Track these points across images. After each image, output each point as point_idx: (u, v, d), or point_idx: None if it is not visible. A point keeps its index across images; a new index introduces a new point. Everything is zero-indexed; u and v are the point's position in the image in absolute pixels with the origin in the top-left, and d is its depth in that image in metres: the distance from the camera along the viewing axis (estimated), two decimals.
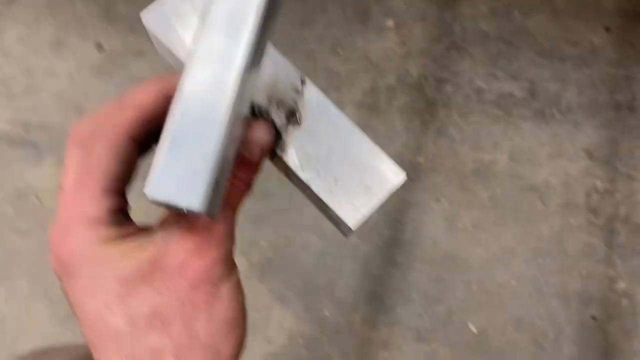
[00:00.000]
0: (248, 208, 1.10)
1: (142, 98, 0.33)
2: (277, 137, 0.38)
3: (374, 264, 1.12)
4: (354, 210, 0.38)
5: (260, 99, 0.38)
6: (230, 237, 0.34)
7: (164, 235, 0.33)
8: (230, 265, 0.34)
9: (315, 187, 0.38)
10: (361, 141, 0.39)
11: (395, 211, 1.15)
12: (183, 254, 0.32)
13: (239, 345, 0.33)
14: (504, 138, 1.20)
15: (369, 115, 1.21)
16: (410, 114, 1.22)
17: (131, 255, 0.32)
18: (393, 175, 0.39)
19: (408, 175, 1.20)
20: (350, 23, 1.30)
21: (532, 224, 1.14)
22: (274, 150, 0.39)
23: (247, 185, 0.35)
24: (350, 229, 0.38)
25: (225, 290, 0.33)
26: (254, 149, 0.35)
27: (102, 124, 0.33)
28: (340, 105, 1.26)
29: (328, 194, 0.38)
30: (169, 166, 0.29)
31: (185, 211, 0.30)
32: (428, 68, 1.26)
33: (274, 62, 0.39)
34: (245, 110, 0.33)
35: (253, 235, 1.13)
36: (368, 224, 1.14)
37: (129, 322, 0.31)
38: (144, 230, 0.34)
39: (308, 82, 0.39)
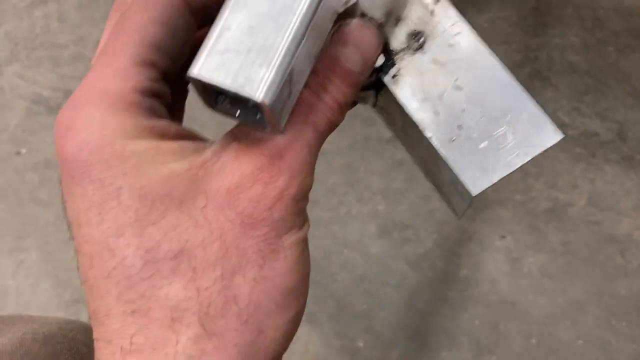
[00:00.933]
0: None
1: None
2: (388, 62, 0.31)
3: (421, 298, 1.00)
4: (480, 169, 0.29)
5: (376, 13, 0.30)
6: (307, 170, 0.26)
7: (218, 150, 0.25)
8: (301, 212, 0.26)
9: (430, 133, 0.30)
10: (507, 84, 0.30)
11: (453, 242, 1.03)
12: (239, 175, 0.24)
13: (291, 329, 0.26)
14: (584, 179, 1.08)
15: None
16: None
17: (165, 162, 0.24)
18: (544, 132, 0.29)
19: (474, 205, 1.09)
20: None
21: (608, 280, 1.00)
22: (379, 80, 0.31)
23: (338, 105, 0.27)
24: (470, 194, 0.29)
25: (290, 245, 0.25)
26: (352, 54, 0.27)
27: None
28: None
29: (447, 144, 0.30)
30: (226, 39, 0.23)
31: (239, 114, 0.24)
32: None
33: None
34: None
35: None
36: (420, 252, 1.01)
37: (145, 259, 0.23)
38: (191, 138, 0.26)
39: (444, 1, 0.31)
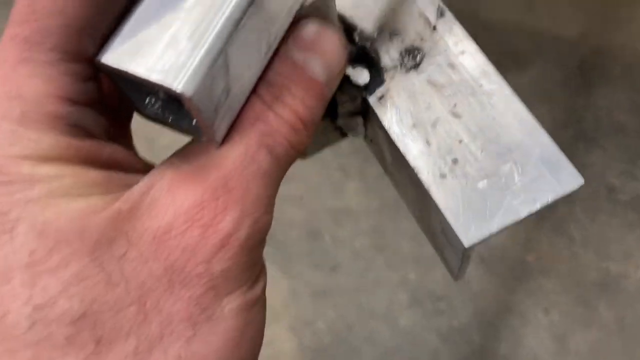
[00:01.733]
0: (309, 278, 0.93)
1: None
2: (376, 80, 0.26)
3: None
4: (476, 214, 0.23)
5: (366, 24, 0.27)
6: (262, 207, 0.20)
7: (150, 181, 0.20)
8: (253, 264, 0.20)
9: (418, 165, 0.24)
10: (517, 114, 0.25)
11: (491, 314, 0.94)
12: (172, 214, 0.19)
13: None
14: (638, 249, 0.98)
15: None
16: None
17: (84, 194, 0.19)
18: (561, 174, 0.24)
19: (514, 274, 1.00)
20: None
21: None
22: (366, 103, 0.26)
23: (301, 121, 0.21)
24: (462, 245, 0.23)
25: (234, 311, 0.19)
26: (314, 62, 0.22)
27: None
28: None
29: (437, 181, 0.24)
30: (145, 18, 0.18)
31: (171, 119, 0.20)
32: None
33: None
34: None
35: (311, 312, 0.95)
36: (454, 325, 0.92)
37: (33, 318, 0.17)
38: (132, 167, 0.21)
39: (448, 15, 0.27)
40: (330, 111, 0.28)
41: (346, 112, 0.28)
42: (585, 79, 1.17)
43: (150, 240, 0.18)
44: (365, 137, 0.29)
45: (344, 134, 0.30)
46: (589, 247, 0.98)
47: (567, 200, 0.96)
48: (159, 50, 0.18)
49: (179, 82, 0.17)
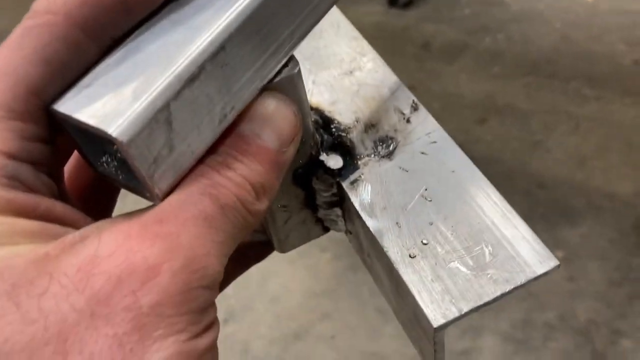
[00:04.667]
0: None
1: None
2: (350, 166, 0.27)
3: None
4: (445, 295, 0.23)
5: (342, 118, 0.28)
6: (203, 248, 0.19)
7: (85, 229, 0.19)
8: (195, 306, 0.18)
9: (388, 245, 0.24)
10: (489, 198, 0.25)
11: None
12: (96, 246, 0.18)
13: None
14: None
15: (514, 351, 0.97)
16: None
17: (12, 242, 0.19)
18: (534, 256, 0.23)
19: None
20: None
21: None
22: (339, 185, 0.27)
23: (250, 184, 0.21)
24: (432, 327, 0.22)
25: (164, 359, 0.17)
26: (265, 132, 0.22)
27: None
28: (480, 332, 1.03)
29: (406, 261, 0.24)
30: (102, 72, 0.20)
31: (122, 177, 0.20)
32: (601, 314, 1.01)
33: (376, 72, 0.30)
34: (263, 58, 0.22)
35: None
36: None
37: None
38: (69, 221, 0.21)
39: (422, 109, 0.29)
40: (310, 203, 0.28)
41: (324, 202, 0.28)
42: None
43: (73, 273, 0.18)
44: (346, 231, 0.29)
45: (325, 228, 0.30)
46: None
47: None
48: (104, 100, 0.19)
49: (115, 128, 0.18)
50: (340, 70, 0.31)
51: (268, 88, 0.23)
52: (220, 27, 0.20)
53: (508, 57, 1.50)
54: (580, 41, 1.45)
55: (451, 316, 0.22)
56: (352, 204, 0.26)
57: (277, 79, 0.23)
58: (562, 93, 1.35)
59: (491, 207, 0.24)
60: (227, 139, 0.22)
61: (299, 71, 0.23)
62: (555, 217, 1.17)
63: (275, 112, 0.23)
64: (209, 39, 0.20)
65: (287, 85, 0.23)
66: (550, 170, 1.25)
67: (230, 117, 0.22)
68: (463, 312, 0.22)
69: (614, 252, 1.11)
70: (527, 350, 0.98)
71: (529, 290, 1.05)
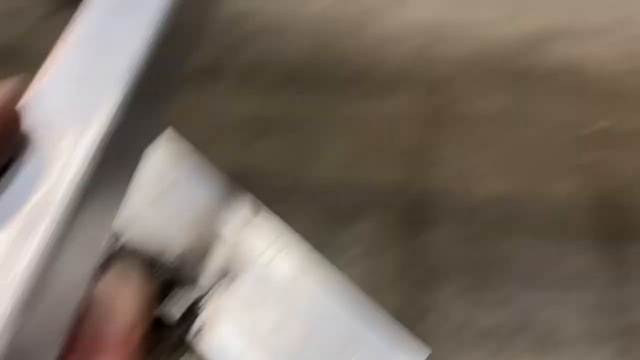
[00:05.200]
0: None
1: None
2: (190, 315, 0.27)
3: None
4: None
5: (168, 255, 0.27)
6: None
7: None
8: None
9: None
10: (341, 301, 0.25)
11: None
12: None
13: None
14: None
15: None
16: None
17: None
18: (404, 351, 0.27)
19: None
20: None
21: None
22: (181, 338, 0.27)
23: None
24: None
25: None
26: (106, 323, 0.20)
27: None
28: None
29: None
30: None
31: None
32: (405, 299, 1.11)
33: (203, 186, 0.29)
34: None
35: None
36: None
37: None
38: None
39: (264, 213, 0.29)
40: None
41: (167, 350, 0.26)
42: (416, 222, 1.26)
43: None
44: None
45: None
46: None
47: (431, 339, 0.98)
48: None
49: None
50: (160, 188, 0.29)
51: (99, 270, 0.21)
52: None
53: (266, 71, 1.54)
54: (335, 44, 1.56)
55: None
56: (198, 354, 0.24)
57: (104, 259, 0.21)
58: (330, 94, 1.44)
59: (349, 312, 0.25)
60: (72, 344, 0.20)
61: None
62: (343, 218, 1.25)
63: (115, 296, 0.21)
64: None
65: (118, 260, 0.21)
66: (328, 174, 1.32)
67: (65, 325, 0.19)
68: None
69: (399, 239, 1.22)
70: None
71: None
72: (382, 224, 1.24)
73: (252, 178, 1.37)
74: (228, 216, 0.27)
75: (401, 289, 1.13)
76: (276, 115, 1.44)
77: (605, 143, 1.36)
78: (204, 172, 0.29)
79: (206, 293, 0.25)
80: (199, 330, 0.24)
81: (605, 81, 1.51)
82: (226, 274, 0.26)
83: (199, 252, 0.26)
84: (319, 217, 1.25)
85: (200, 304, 0.25)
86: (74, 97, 0.18)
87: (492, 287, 1.13)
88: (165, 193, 0.27)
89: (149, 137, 0.20)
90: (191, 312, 0.24)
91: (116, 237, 0.20)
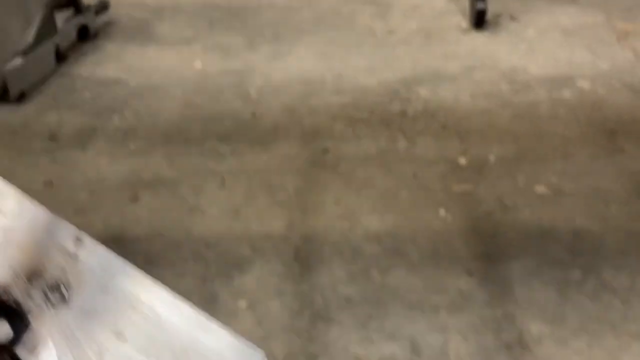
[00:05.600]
0: None
1: None
2: (21, 330, 0.24)
3: None
4: None
5: None
6: None
7: None
8: None
9: None
10: (181, 313, 0.25)
11: None
12: None
13: None
14: None
15: None
16: None
17: None
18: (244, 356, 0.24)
19: None
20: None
21: None
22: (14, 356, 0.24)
23: None
24: None
25: None
26: None
27: None
28: None
29: None
30: None
31: None
32: (295, 345, 1.09)
33: (21, 212, 0.27)
34: None
35: None
36: None
37: None
38: None
39: (87, 240, 0.27)
40: None
41: None
42: (303, 265, 1.26)
43: None
44: None
45: None
46: None
47: None
48: None
49: None
50: None
51: None
52: None
53: (141, 132, 1.53)
54: (203, 104, 1.57)
55: None
56: None
57: None
58: (201, 154, 1.44)
59: (188, 323, 0.25)
60: None
61: None
62: (229, 270, 1.23)
63: None
64: None
65: None
66: (211, 228, 1.31)
67: None
68: None
69: (286, 285, 1.21)
70: None
71: None
72: (268, 272, 1.23)
73: (132, 239, 1.33)
74: (56, 240, 0.26)
75: (289, 336, 1.12)
76: (153, 175, 1.42)
77: (468, 176, 1.45)
78: (32, 204, 0.28)
79: (39, 310, 0.24)
80: (34, 349, 0.23)
81: (459, 120, 1.65)
82: (59, 290, 0.25)
83: (29, 271, 0.25)
84: (205, 272, 1.23)
85: (33, 322, 0.23)
86: None
87: (380, 321, 1.14)
88: None
89: None
90: (22, 333, 0.23)
91: None
